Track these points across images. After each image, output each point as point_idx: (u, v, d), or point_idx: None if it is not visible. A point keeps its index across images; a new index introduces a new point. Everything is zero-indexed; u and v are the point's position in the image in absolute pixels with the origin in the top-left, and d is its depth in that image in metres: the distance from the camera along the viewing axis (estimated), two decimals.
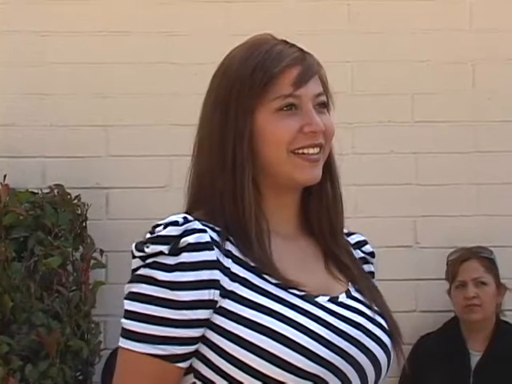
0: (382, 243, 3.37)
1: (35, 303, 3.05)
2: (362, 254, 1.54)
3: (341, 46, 3.54)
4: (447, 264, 3.44)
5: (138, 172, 3.50)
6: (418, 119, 3.57)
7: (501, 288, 3.40)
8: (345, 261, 1.46)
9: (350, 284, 1.43)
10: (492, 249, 3.43)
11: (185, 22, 3.54)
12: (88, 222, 3.34)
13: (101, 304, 3.31)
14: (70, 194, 3.30)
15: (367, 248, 1.56)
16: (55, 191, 3.28)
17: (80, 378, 3.20)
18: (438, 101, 3.57)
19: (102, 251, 3.32)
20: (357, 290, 1.43)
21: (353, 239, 1.54)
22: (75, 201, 3.31)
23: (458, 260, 3.40)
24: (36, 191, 3.30)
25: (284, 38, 1.44)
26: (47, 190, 3.30)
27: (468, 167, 3.56)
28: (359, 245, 1.54)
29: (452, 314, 3.44)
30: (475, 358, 3.32)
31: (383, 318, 1.42)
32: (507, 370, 3.26)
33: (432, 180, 3.55)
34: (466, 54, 3.58)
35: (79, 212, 3.31)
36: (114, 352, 3.20)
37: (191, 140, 1.44)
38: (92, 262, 3.27)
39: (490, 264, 3.40)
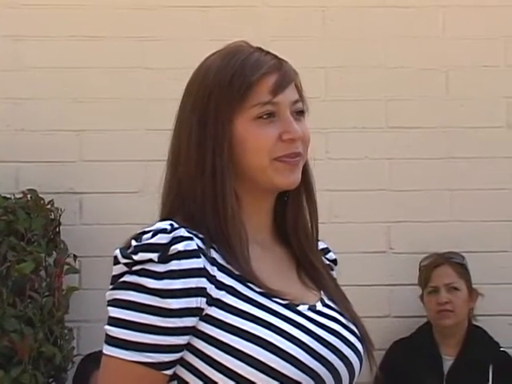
0: (355, 248, 3.38)
1: (7, 309, 3.03)
2: (327, 262, 1.55)
3: (315, 52, 3.56)
4: (419, 270, 3.45)
5: (112, 177, 3.49)
6: (391, 125, 3.59)
7: (473, 293, 3.42)
8: (319, 268, 1.47)
9: (322, 293, 1.45)
10: (464, 254, 3.45)
11: (161, 27, 3.53)
12: (61, 228, 3.32)
13: (74, 310, 3.29)
14: (43, 199, 3.28)
15: (331, 255, 1.57)
16: (28, 196, 3.26)
17: None
18: (411, 107, 3.59)
19: (75, 256, 3.31)
20: (329, 299, 1.44)
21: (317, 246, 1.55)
22: (48, 206, 3.30)
23: (431, 265, 3.41)
24: (9, 196, 3.28)
25: (259, 45, 1.45)
26: (20, 195, 3.28)
27: (441, 173, 3.58)
28: (323, 252, 1.55)
29: (425, 320, 3.45)
30: (448, 362, 3.34)
31: (355, 325, 1.43)
32: (479, 374, 3.28)
33: (405, 186, 3.57)
34: (439, 61, 3.61)
35: (52, 217, 3.30)
36: (85, 358, 3.19)
37: (166, 145, 1.44)
38: (65, 267, 3.25)
39: (462, 269, 3.42)
